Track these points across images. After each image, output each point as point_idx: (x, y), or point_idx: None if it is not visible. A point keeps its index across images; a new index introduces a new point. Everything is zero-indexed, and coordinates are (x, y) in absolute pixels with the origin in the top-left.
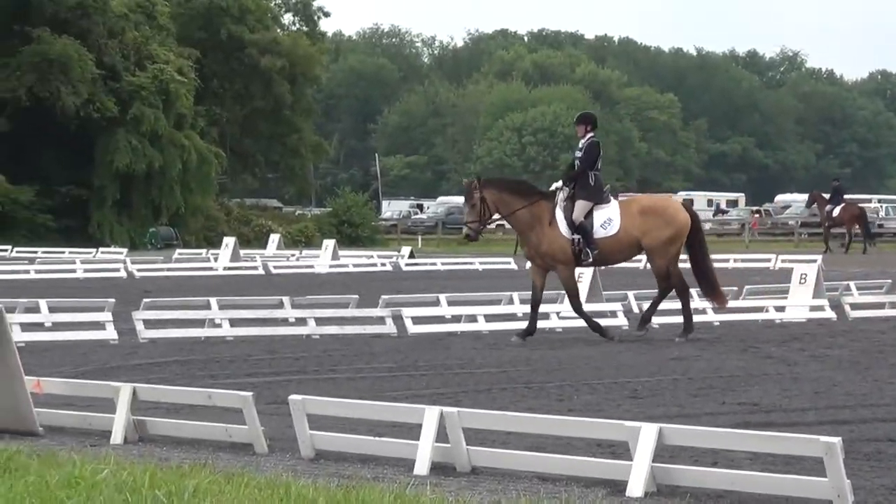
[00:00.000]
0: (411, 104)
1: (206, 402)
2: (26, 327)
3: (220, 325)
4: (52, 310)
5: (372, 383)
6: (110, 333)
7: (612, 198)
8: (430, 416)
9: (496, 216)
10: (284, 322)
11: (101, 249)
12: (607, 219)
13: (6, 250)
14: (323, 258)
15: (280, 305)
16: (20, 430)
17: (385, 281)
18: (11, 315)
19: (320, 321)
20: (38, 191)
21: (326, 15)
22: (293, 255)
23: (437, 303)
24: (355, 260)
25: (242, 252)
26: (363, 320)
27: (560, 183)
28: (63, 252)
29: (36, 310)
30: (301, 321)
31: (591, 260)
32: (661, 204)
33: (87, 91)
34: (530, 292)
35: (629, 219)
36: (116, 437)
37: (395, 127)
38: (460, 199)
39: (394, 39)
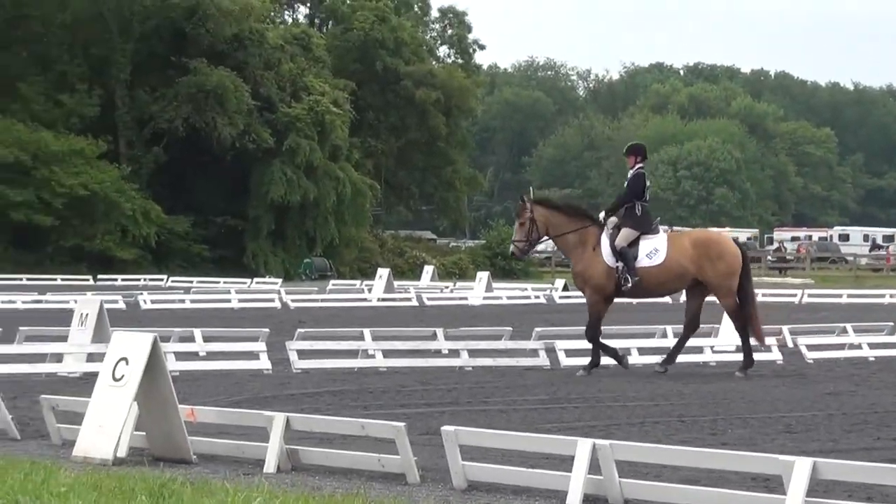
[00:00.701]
0: (566, 137)
1: (358, 432)
2: (181, 356)
3: (373, 356)
4: (206, 339)
5: (524, 415)
6: (264, 363)
7: (660, 229)
8: (582, 448)
9: (545, 238)
10: (437, 353)
11: (255, 280)
12: (653, 249)
13: (162, 280)
14: (477, 290)
15: (433, 337)
16: (174, 458)
17: (538, 313)
18: (166, 344)
19: (473, 353)
20: (194, 221)
21: (482, 48)
22: (447, 287)
23: None
24: (509, 292)
25: (396, 283)
26: (516, 352)
27: (602, 213)
28: (218, 282)
29: (190, 339)
30: (454, 353)
31: (629, 286)
32: (713, 237)
33: (242, 122)
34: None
35: (679, 250)
36: (269, 465)
37: (549, 160)
38: None
39: (549, 72)
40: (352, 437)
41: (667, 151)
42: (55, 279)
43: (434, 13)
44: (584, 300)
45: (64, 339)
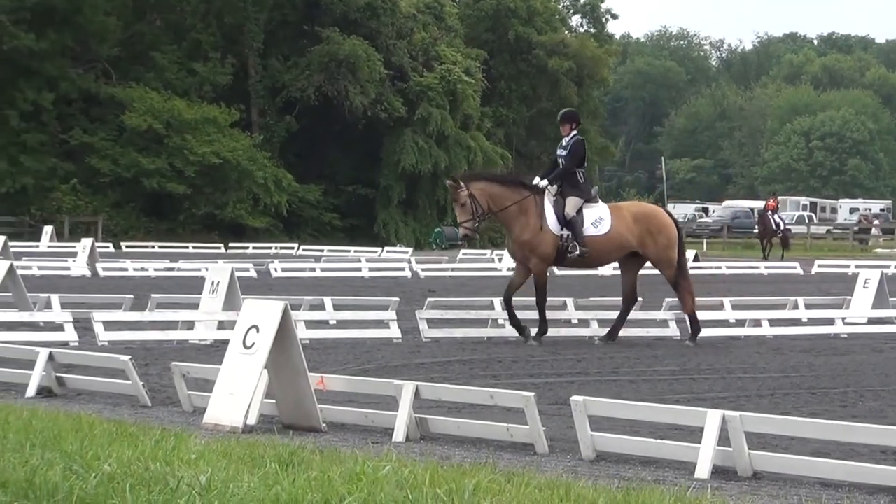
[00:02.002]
0: (698, 107)
1: (487, 402)
2: (311, 325)
3: (503, 326)
4: (336, 308)
5: (654, 386)
6: (394, 332)
7: (599, 199)
8: (712, 419)
9: (489, 213)
10: (567, 323)
11: (386, 248)
12: (598, 217)
13: (293, 248)
14: None
15: (563, 307)
16: (304, 426)
17: (669, 284)
18: (297, 312)
19: (603, 323)
20: (325, 190)
21: (614, 17)
22: None
23: (721, 307)
24: None
25: None
26: (646, 323)
27: (543, 181)
28: (348, 251)
29: (321, 307)
30: (584, 322)
31: (577, 254)
32: (651, 211)
33: (374, 91)
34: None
35: (622, 221)
36: (398, 434)
37: (681, 130)
38: (746, 203)
39: (682, 42)
40: (481, 407)
41: (800, 122)
42: (187, 247)
43: None
44: (715, 272)
45: (195, 306)
